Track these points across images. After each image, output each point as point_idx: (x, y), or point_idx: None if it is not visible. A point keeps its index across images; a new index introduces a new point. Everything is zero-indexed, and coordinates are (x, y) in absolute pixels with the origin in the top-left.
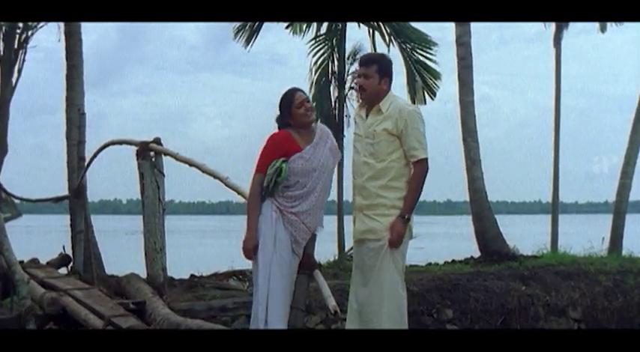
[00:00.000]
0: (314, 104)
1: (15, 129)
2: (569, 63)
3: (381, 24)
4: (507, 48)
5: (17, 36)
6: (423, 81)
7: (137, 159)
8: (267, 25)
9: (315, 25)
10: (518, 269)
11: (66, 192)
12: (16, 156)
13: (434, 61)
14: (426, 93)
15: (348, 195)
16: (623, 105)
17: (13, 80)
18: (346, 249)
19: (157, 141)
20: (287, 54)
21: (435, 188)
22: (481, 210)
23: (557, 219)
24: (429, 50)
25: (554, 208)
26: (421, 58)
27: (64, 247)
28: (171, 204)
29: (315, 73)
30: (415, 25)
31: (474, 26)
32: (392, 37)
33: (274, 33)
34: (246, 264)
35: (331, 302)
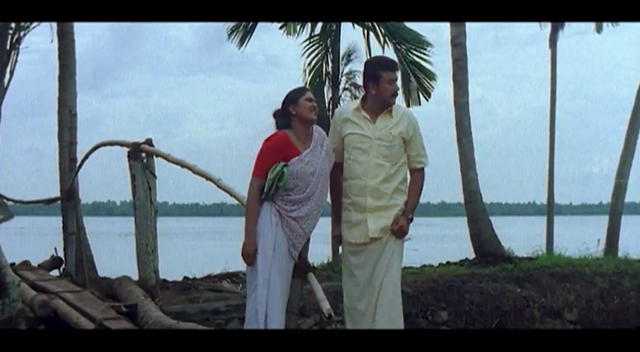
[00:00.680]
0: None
1: (8, 131)
2: (563, 64)
3: (375, 24)
4: (502, 49)
5: (9, 36)
6: (417, 82)
7: (128, 160)
8: (261, 26)
9: (309, 25)
10: (514, 271)
11: (58, 194)
12: (10, 157)
13: (429, 62)
14: (420, 94)
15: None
16: (617, 106)
17: (5, 81)
18: (340, 251)
19: (149, 142)
20: (281, 55)
21: (429, 189)
22: (476, 212)
23: (553, 220)
24: (423, 51)
25: (550, 210)
26: (416, 58)
27: (55, 249)
28: (164, 205)
29: (309, 74)
30: (410, 25)
31: (468, 28)
32: (387, 38)
33: (269, 34)
34: (240, 266)
35: (325, 306)
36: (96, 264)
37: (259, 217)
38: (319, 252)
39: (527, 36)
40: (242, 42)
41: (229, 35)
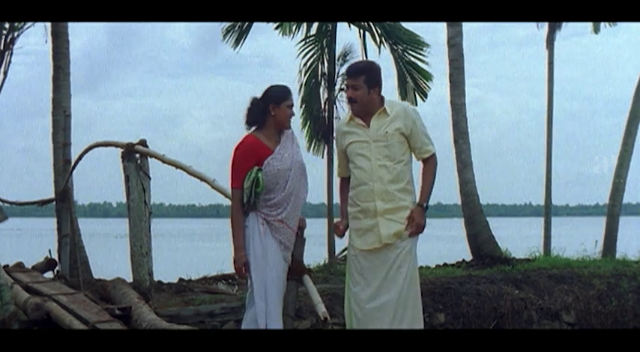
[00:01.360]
0: (304, 106)
1: (3, 132)
2: (560, 66)
3: (371, 25)
4: (498, 51)
5: (3, 37)
6: (414, 82)
7: (122, 161)
8: (257, 28)
9: (304, 26)
10: (511, 273)
11: (52, 195)
12: (4, 159)
13: (425, 62)
14: (417, 94)
15: (337, 198)
16: (614, 108)
17: None
18: (337, 253)
19: (143, 142)
20: (277, 57)
21: None
22: (473, 213)
23: (550, 221)
24: (420, 51)
25: (547, 211)
26: (412, 59)
27: (49, 251)
28: (161, 207)
29: (305, 75)
30: (406, 26)
31: (464, 30)
32: (383, 38)
33: (265, 35)
34: None
35: (321, 309)
36: (91, 266)
37: (246, 229)
38: (315, 253)
39: (524, 37)
40: (237, 42)
41: (224, 36)
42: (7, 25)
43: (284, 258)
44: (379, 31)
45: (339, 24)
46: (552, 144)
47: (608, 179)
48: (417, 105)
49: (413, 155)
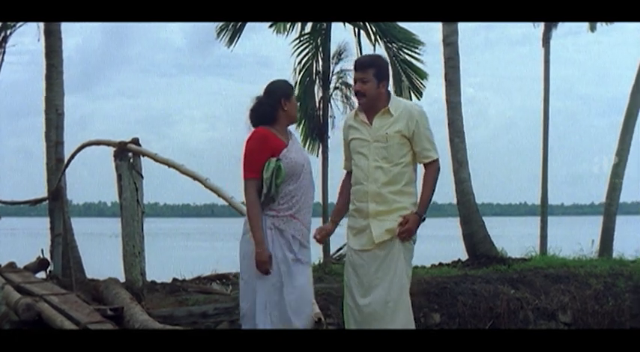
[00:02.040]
0: (298, 104)
1: None
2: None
3: (366, 23)
4: (493, 50)
5: None
6: (409, 81)
7: (115, 160)
8: (251, 27)
9: (299, 24)
10: (507, 273)
11: (45, 195)
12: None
13: (420, 61)
14: (412, 93)
15: (332, 198)
16: (610, 107)
17: None
18: (331, 253)
19: (135, 141)
20: (272, 56)
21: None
22: (469, 213)
23: (547, 221)
24: (415, 49)
25: (543, 210)
26: (408, 57)
27: (42, 251)
28: (155, 206)
29: (299, 73)
30: (401, 24)
31: (459, 28)
32: (378, 37)
33: (259, 34)
34: (230, 268)
35: (315, 309)
36: (85, 266)
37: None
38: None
39: (519, 36)
40: (231, 41)
41: (218, 34)
42: None
43: (300, 260)
44: (374, 29)
45: (333, 22)
46: (548, 143)
47: (604, 178)
48: None
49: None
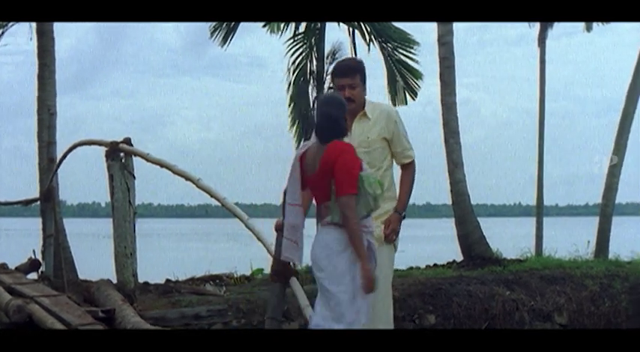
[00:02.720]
0: (292, 104)
1: None
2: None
3: (361, 23)
4: (487, 51)
5: None
6: (404, 81)
7: (106, 160)
8: (245, 27)
9: (293, 24)
10: (502, 274)
11: (38, 195)
12: None
13: (415, 61)
14: (407, 93)
15: None
16: (604, 108)
17: None
18: None
19: (127, 141)
20: (266, 57)
21: (414, 190)
22: (464, 213)
23: (542, 222)
24: (410, 49)
25: (539, 211)
26: (402, 57)
27: (34, 251)
28: (149, 207)
29: (293, 73)
30: (396, 24)
31: (454, 28)
32: (372, 36)
33: (253, 34)
34: (224, 269)
35: (309, 312)
36: (79, 267)
37: (342, 252)
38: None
39: (514, 37)
40: (225, 40)
41: (212, 34)
42: None
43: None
44: (369, 29)
45: (328, 22)
46: (544, 145)
47: (599, 179)
48: (406, 104)
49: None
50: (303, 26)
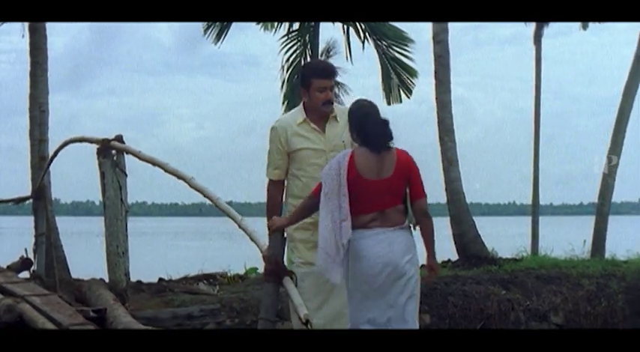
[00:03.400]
0: (286, 102)
1: None
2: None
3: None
4: (482, 50)
5: None
6: (398, 78)
7: (98, 157)
8: (239, 25)
9: None
10: (498, 273)
11: (29, 193)
12: None
13: (410, 58)
14: (401, 91)
15: None
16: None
17: None
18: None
19: (119, 138)
20: (260, 55)
21: None
22: (459, 213)
23: (538, 221)
24: (405, 47)
25: (535, 210)
26: (397, 55)
27: (25, 250)
28: (143, 205)
29: (287, 71)
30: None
31: (449, 27)
32: (367, 34)
33: (246, 32)
34: (217, 267)
35: (303, 311)
36: (72, 265)
37: (416, 254)
38: None
39: (508, 36)
40: (218, 38)
41: (205, 31)
42: None
43: None
44: (363, 27)
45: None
46: (540, 143)
47: (594, 178)
48: (401, 101)
49: None
50: (297, 24)
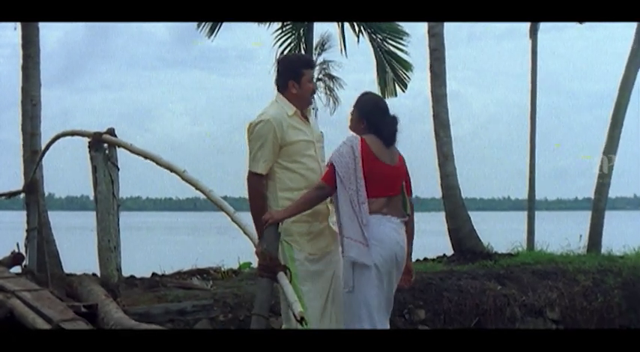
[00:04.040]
0: None
1: None
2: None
3: None
4: (477, 45)
5: None
6: (393, 72)
7: (89, 151)
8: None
9: None
10: (494, 268)
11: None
12: None
13: (405, 52)
14: (396, 85)
15: None
16: (596, 102)
17: None
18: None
19: (111, 131)
20: (255, 50)
21: None
22: (454, 207)
23: (534, 216)
24: (400, 41)
25: (530, 205)
26: (392, 48)
27: (17, 245)
28: (138, 200)
29: None
30: None
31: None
32: (361, 27)
33: (240, 27)
34: (211, 262)
35: (297, 308)
36: (66, 260)
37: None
38: None
39: (503, 31)
40: (212, 32)
41: (198, 26)
42: None
43: None
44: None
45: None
46: (536, 138)
47: (589, 173)
48: (396, 95)
49: None
50: None
